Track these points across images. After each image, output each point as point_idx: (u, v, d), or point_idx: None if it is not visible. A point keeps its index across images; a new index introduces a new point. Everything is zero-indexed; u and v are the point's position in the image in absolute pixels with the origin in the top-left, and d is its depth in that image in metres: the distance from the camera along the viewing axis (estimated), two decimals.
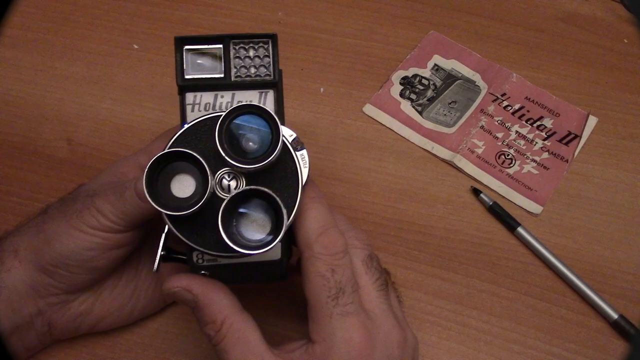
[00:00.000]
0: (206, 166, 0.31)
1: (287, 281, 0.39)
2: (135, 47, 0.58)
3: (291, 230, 0.35)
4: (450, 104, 0.56)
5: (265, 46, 0.35)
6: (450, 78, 0.57)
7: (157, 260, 0.36)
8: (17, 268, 0.37)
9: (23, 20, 0.59)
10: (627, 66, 0.58)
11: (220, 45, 0.35)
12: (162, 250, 0.36)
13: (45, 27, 0.59)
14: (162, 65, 0.57)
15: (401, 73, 0.57)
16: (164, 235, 0.36)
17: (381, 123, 0.54)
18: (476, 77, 0.57)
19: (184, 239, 0.32)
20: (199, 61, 0.35)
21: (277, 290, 0.45)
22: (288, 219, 0.31)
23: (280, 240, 0.30)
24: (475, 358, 0.44)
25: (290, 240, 0.36)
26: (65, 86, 0.55)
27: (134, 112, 0.54)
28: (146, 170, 0.31)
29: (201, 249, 0.32)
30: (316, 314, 0.33)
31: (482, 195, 0.50)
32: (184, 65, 0.35)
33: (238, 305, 0.34)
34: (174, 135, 0.33)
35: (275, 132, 0.32)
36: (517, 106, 0.55)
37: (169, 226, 0.33)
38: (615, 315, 0.45)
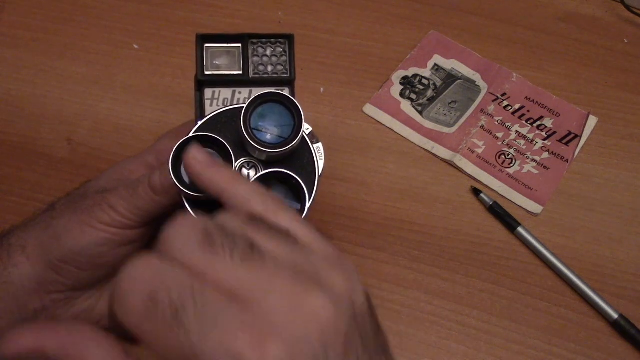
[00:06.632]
0: (230, 149, 0.32)
1: None
2: (135, 47, 0.58)
3: None
4: (450, 103, 0.55)
5: (282, 46, 0.37)
6: (450, 78, 0.57)
7: None
8: (24, 264, 0.37)
9: (23, 20, 0.59)
10: (627, 66, 0.58)
11: (239, 44, 0.36)
12: None
13: (45, 27, 0.59)
14: (162, 65, 0.56)
15: (401, 73, 0.57)
16: None
17: (381, 123, 0.54)
18: (476, 77, 0.57)
19: None
20: (218, 58, 0.37)
21: None
22: (309, 201, 0.32)
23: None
24: (475, 358, 0.44)
25: None
26: (65, 86, 0.55)
27: (134, 112, 0.54)
28: (172, 151, 0.32)
29: None
30: None
31: (482, 195, 0.50)
32: (204, 62, 0.36)
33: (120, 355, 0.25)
34: (196, 125, 0.34)
35: (298, 118, 0.33)
36: (517, 106, 0.55)
37: (187, 212, 0.33)
38: (615, 315, 0.45)
